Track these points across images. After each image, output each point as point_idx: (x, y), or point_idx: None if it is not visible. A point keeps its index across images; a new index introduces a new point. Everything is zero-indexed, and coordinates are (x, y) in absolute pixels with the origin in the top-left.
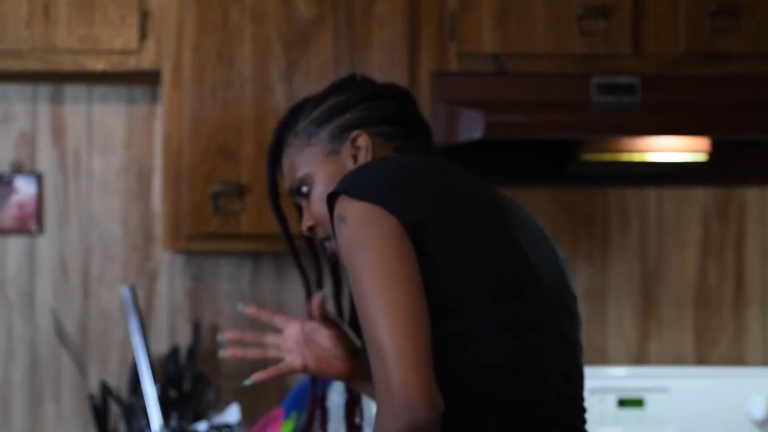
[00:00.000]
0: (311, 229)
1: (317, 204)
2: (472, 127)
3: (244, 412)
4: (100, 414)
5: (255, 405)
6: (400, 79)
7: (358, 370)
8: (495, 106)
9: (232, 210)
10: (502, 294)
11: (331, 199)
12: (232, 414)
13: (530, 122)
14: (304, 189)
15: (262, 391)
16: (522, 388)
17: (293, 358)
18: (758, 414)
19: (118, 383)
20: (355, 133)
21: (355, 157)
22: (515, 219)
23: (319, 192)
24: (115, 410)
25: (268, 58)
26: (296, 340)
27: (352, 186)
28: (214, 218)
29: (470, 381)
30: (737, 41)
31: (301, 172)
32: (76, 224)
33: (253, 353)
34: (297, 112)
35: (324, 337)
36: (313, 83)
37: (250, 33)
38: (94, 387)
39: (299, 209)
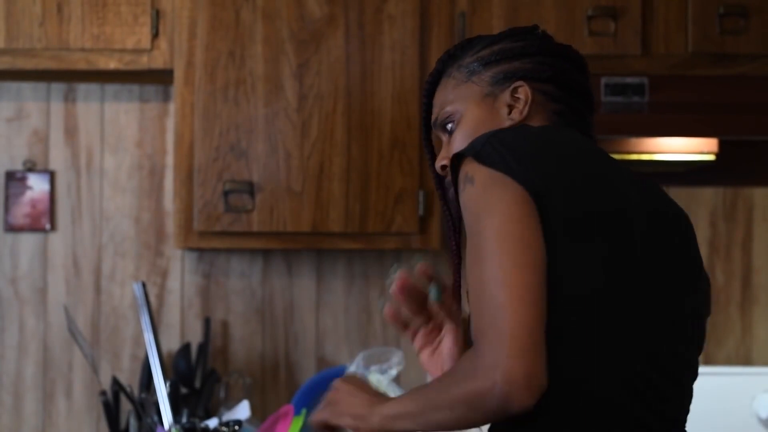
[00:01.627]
0: (444, 168)
1: (457, 143)
2: None
3: (254, 408)
4: (111, 410)
5: (265, 401)
6: (410, 78)
7: None
8: None
9: (243, 208)
10: (604, 290)
11: (457, 159)
12: (242, 410)
13: None
14: (450, 125)
15: (272, 388)
16: (609, 397)
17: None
18: (765, 413)
19: (130, 380)
20: (518, 83)
21: (510, 108)
22: (650, 219)
23: (463, 132)
24: (126, 406)
25: (280, 57)
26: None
27: (482, 151)
28: (225, 216)
29: (563, 373)
30: (746, 42)
31: (451, 107)
32: (88, 222)
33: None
34: (466, 47)
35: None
36: (324, 82)
37: (262, 32)
38: (106, 383)
39: (431, 148)
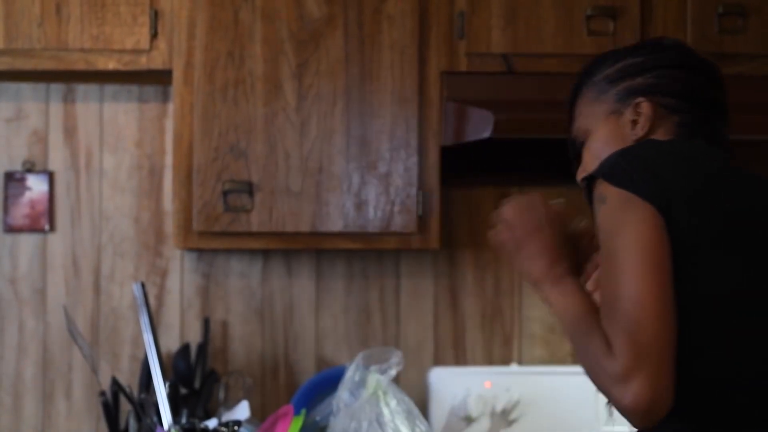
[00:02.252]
0: (583, 180)
1: (587, 161)
2: (480, 126)
3: (254, 408)
4: (110, 410)
5: (264, 402)
6: (409, 77)
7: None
8: (503, 105)
9: (242, 208)
10: (740, 303)
11: (590, 180)
12: (241, 411)
13: (538, 121)
14: (580, 140)
15: (271, 388)
16: (747, 412)
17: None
18: None
19: (129, 380)
20: (639, 99)
21: (634, 123)
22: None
23: (594, 149)
24: (125, 407)
25: (279, 57)
26: None
27: (610, 171)
28: (224, 216)
29: (694, 388)
30: (745, 42)
31: (582, 124)
32: (87, 222)
33: None
34: (599, 63)
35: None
36: (323, 82)
37: (261, 32)
38: (105, 384)
39: (574, 157)
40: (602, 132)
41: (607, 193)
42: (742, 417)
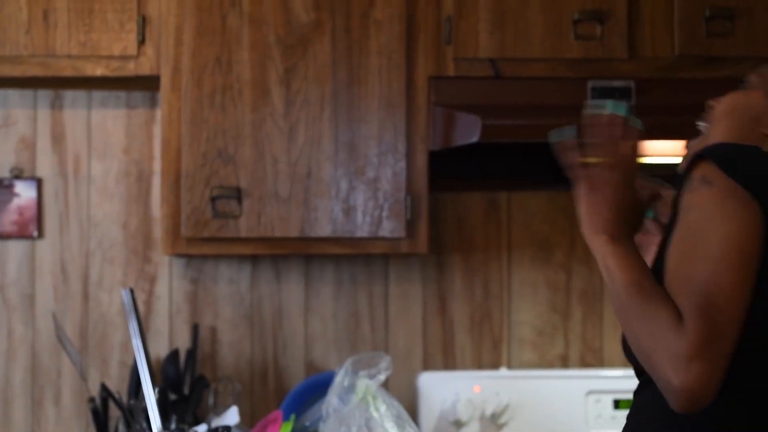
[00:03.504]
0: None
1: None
2: (468, 131)
3: (243, 414)
4: (100, 417)
5: (254, 407)
6: (397, 83)
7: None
8: (491, 110)
9: (230, 213)
10: None
11: (698, 159)
12: (231, 416)
13: (526, 126)
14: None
15: (260, 394)
16: None
17: None
18: None
19: (118, 386)
20: None
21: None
22: None
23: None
24: (115, 413)
25: (267, 62)
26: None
27: (726, 161)
28: (213, 222)
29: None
30: (732, 45)
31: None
32: (76, 228)
33: None
34: None
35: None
36: (311, 87)
37: (249, 38)
38: (94, 390)
39: None
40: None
41: (717, 179)
42: None
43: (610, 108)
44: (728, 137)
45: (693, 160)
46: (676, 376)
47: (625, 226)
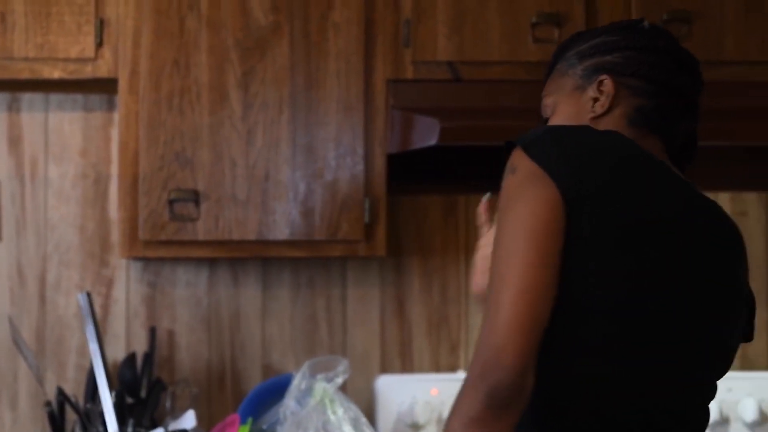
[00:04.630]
0: None
1: None
2: (427, 134)
3: (201, 417)
4: (56, 421)
5: (211, 411)
6: (355, 86)
7: None
8: (450, 113)
9: (188, 216)
10: (624, 309)
11: (509, 146)
12: (188, 420)
13: (484, 129)
14: (546, 113)
15: (217, 397)
16: (612, 412)
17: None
18: (749, 417)
19: (75, 390)
20: (603, 77)
21: (595, 101)
22: (694, 235)
23: (555, 123)
24: (71, 417)
25: (225, 65)
26: None
27: (531, 143)
28: (170, 225)
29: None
30: (690, 48)
31: (549, 98)
32: (32, 231)
33: None
34: (575, 39)
35: None
36: (269, 90)
37: (207, 41)
38: (51, 394)
39: None
40: (564, 107)
41: (520, 164)
42: (615, 417)
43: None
44: (560, 120)
45: (506, 148)
46: (488, 358)
47: None
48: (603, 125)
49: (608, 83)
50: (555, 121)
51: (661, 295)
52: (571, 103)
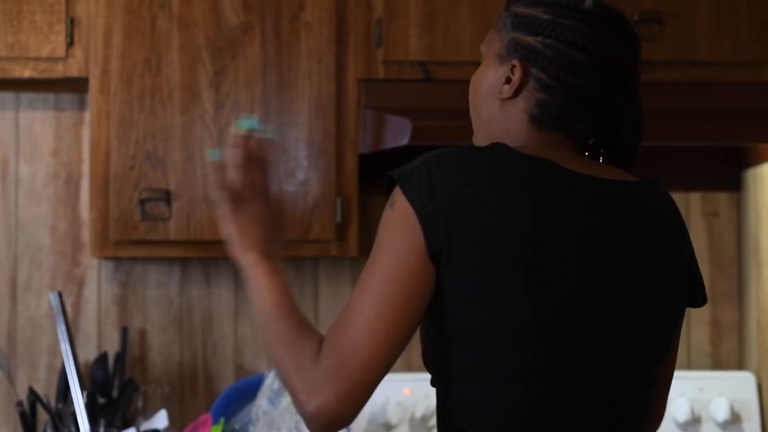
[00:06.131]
0: None
1: (471, 85)
2: (398, 134)
3: (172, 417)
4: (28, 421)
5: (183, 411)
6: (327, 85)
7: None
8: (421, 113)
9: (160, 216)
10: (520, 338)
11: (390, 180)
12: (160, 420)
13: (456, 128)
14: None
15: (190, 397)
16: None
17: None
18: (682, 417)
19: (47, 390)
20: (515, 62)
21: (507, 80)
22: (595, 234)
23: (475, 80)
24: (43, 417)
25: (197, 65)
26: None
27: (407, 177)
28: (142, 225)
29: (465, 422)
30: (661, 49)
31: (483, 47)
32: (3, 231)
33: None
34: None
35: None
36: (241, 90)
37: (178, 40)
38: (23, 394)
39: None
40: (485, 69)
41: (396, 201)
42: None
43: (241, 125)
44: (481, 86)
45: (387, 180)
46: (309, 403)
47: (274, 244)
48: (507, 112)
49: (518, 71)
50: (477, 78)
51: (566, 311)
52: (491, 69)
